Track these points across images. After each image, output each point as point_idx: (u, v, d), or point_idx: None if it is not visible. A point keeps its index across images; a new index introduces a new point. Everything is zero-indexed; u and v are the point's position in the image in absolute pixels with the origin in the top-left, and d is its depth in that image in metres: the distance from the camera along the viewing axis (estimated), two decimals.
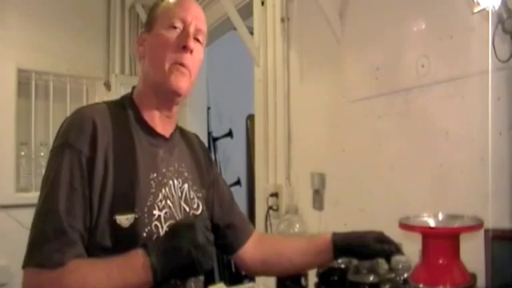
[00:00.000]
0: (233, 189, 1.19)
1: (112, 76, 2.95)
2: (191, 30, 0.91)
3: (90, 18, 2.98)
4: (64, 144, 0.82)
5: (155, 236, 0.85)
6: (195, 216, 0.96)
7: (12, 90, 2.61)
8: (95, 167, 0.81)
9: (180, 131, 1.05)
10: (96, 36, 3.00)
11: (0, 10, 2.60)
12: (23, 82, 2.70)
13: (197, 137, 1.14)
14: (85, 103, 2.89)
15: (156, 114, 0.94)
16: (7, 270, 2.33)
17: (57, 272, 0.74)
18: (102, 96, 2.93)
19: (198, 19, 0.94)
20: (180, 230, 0.80)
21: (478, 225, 0.82)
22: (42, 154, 2.72)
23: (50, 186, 0.79)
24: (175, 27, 0.91)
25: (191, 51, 0.90)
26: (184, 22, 0.92)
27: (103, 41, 3.02)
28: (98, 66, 2.99)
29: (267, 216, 1.90)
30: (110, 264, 0.77)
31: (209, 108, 3.29)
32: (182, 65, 0.90)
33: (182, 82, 0.90)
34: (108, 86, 2.96)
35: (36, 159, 2.74)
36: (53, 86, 2.81)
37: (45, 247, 0.75)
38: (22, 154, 2.72)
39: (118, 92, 2.74)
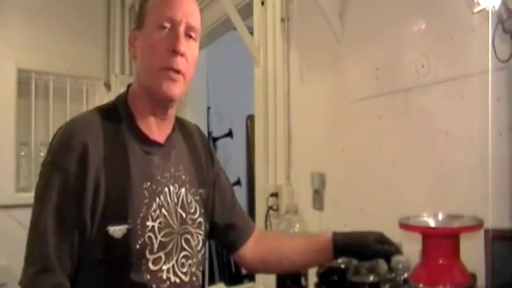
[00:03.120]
0: None
1: (112, 76, 2.95)
2: (181, 29, 0.87)
3: (90, 18, 2.97)
4: (52, 162, 0.83)
5: (149, 247, 0.84)
6: (192, 221, 0.95)
7: (12, 90, 2.61)
8: (84, 183, 0.80)
9: (180, 124, 1.02)
10: (96, 36, 3.00)
11: (0, 10, 2.60)
12: (23, 81, 2.70)
13: (198, 129, 1.10)
14: (85, 103, 2.91)
15: (151, 118, 0.91)
16: (7, 270, 2.32)
17: None
18: (102, 96, 2.93)
19: (189, 15, 0.88)
20: None
21: (477, 225, 0.82)
22: (42, 154, 2.71)
23: (39, 208, 0.81)
24: (164, 27, 0.87)
25: (182, 54, 0.86)
26: (173, 21, 0.87)
27: (103, 41, 3.02)
28: (98, 66, 3.00)
29: (267, 216, 1.90)
30: None
31: (209, 108, 3.29)
32: (173, 70, 0.86)
33: (174, 89, 0.87)
34: (108, 86, 2.97)
35: (36, 159, 2.74)
36: (53, 86, 2.81)
37: (29, 271, 0.78)
38: (22, 154, 2.72)
39: (117, 92, 2.68)
